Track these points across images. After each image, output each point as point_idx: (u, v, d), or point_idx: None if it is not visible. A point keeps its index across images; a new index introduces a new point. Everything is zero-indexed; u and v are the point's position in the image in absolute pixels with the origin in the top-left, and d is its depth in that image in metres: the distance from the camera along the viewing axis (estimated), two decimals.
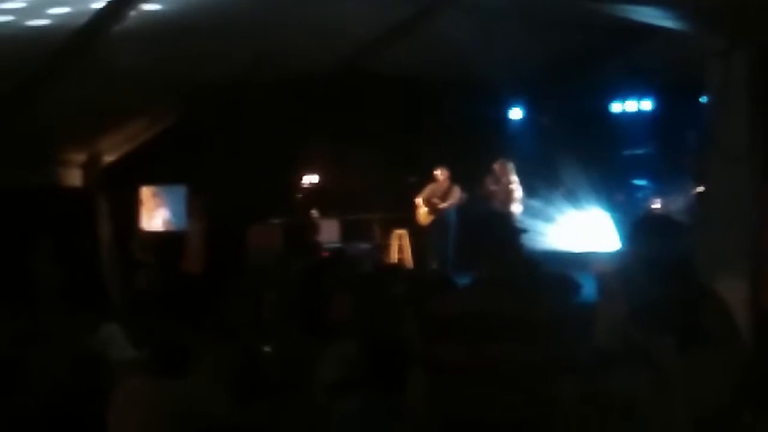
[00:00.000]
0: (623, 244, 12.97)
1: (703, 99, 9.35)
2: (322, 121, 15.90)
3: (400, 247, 16.53)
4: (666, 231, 4.81)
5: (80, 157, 16.24)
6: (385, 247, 16.64)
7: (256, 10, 11.63)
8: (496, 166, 15.40)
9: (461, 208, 15.42)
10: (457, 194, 15.51)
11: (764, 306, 8.09)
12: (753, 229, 8.29)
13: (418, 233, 16.28)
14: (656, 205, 15.07)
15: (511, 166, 15.34)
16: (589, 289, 7.24)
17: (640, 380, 4.53)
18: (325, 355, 6.58)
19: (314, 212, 16.55)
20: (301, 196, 16.94)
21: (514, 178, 15.26)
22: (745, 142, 8.24)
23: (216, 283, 12.66)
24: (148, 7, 11.17)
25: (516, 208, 15.05)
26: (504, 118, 17.54)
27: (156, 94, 14.53)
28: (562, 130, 15.89)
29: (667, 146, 15.50)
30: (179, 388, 6.21)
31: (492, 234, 4.72)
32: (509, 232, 4.79)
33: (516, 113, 17.62)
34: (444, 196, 15.59)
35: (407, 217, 16.20)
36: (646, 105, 16.47)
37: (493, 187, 15.36)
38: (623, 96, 16.56)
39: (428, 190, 15.75)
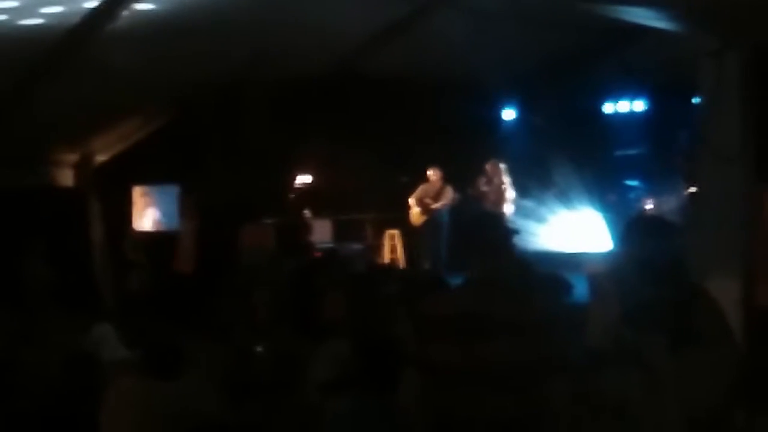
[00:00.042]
0: (615, 245, 12.97)
1: (696, 100, 9.36)
2: (315, 121, 15.89)
3: (392, 247, 16.54)
4: (658, 231, 4.81)
5: (72, 157, 16.19)
6: (377, 248, 16.65)
7: (249, 9, 11.63)
8: (488, 167, 15.43)
9: (454, 209, 15.44)
10: (449, 194, 15.52)
11: (756, 306, 8.11)
12: (745, 229, 8.30)
13: (410, 233, 16.29)
14: (649, 205, 15.11)
15: (503, 166, 15.37)
16: (581, 290, 7.24)
17: (632, 380, 4.53)
18: (318, 355, 6.58)
19: (307, 212, 16.55)
20: (293, 196, 16.92)
21: (506, 179, 15.28)
22: (737, 142, 8.25)
23: (208, 283, 12.64)
24: (141, 6, 11.16)
25: (508, 209, 15.07)
26: (496, 118, 17.57)
27: (149, 94, 14.50)
28: (554, 131, 15.90)
29: (660, 147, 15.52)
30: (171, 389, 6.21)
31: (484, 234, 4.72)
32: (502, 232, 4.80)
33: (508, 114, 17.64)
34: (436, 197, 15.61)
35: (400, 218, 16.21)
36: (639, 105, 16.50)
37: (485, 188, 15.38)
38: (616, 96, 16.60)
39: (421, 190, 15.76)
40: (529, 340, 4.37)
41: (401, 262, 16.30)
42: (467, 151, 15.96)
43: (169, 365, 6.32)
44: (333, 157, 16.54)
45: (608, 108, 16.81)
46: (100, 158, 16.58)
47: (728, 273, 7.92)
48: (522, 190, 15.62)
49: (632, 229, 5.02)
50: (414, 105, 15.44)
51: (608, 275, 5.51)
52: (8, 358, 7.63)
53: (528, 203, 15.71)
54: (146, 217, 16.81)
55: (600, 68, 15.44)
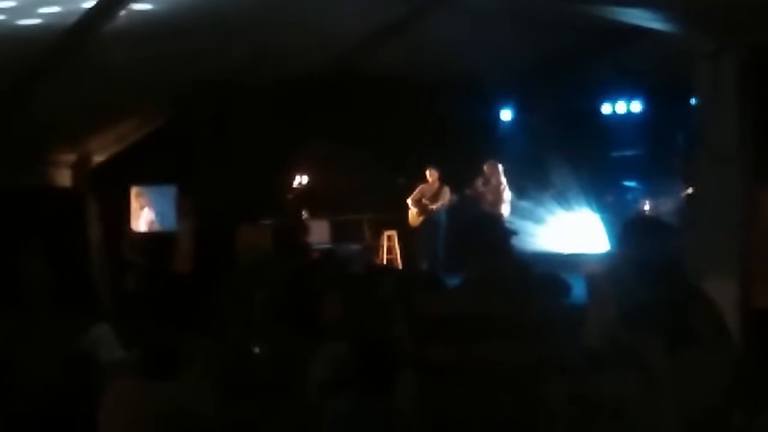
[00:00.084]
0: (613, 246, 13.00)
1: (693, 101, 9.37)
2: (312, 121, 15.89)
3: (390, 247, 16.55)
4: (656, 232, 4.82)
5: (70, 157, 16.18)
6: (375, 248, 16.65)
7: (246, 9, 11.63)
8: (486, 168, 15.44)
9: (451, 209, 15.45)
10: (447, 195, 15.53)
11: (754, 307, 8.12)
12: (742, 230, 8.31)
13: (408, 234, 16.30)
14: (646, 206, 15.12)
15: (500, 167, 15.38)
16: (578, 291, 7.26)
17: (630, 381, 4.53)
18: (316, 355, 6.59)
19: (304, 213, 16.55)
20: (291, 196, 16.92)
21: (504, 180, 15.30)
22: (734, 143, 8.26)
23: (206, 283, 12.64)
24: (138, 6, 11.15)
25: (505, 210, 15.08)
26: (494, 119, 17.57)
27: (147, 94, 14.49)
28: (552, 132, 15.90)
29: (657, 148, 15.54)
30: (169, 389, 6.21)
31: (482, 235, 4.73)
32: (499, 233, 4.80)
33: (506, 114, 17.64)
34: (434, 197, 15.61)
35: (397, 218, 16.22)
36: (636, 106, 16.52)
37: (482, 189, 15.39)
38: (613, 97, 16.61)
39: (418, 191, 15.77)
40: (526, 341, 4.37)
41: (399, 262, 16.31)
42: (465, 152, 15.97)
43: (166, 366, 6.32)
44: (330, 158, 16.54)
45: (605, 109, 16.83)
46: (98, 158, 16.58)
47: (726, 274, 7.93)
48: (519, 191, 15.64)
49: (629, 230, 5.03)
50: (411, 105, 15.45)
51: (606, 276, 5.52)
52: (5, 357, 7.62)
53: (525, 204, 15.73)
54: (143, 217, 16.79)
55: (597, 69, 15.46)
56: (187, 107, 15.51)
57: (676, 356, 4.46)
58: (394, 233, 16.54)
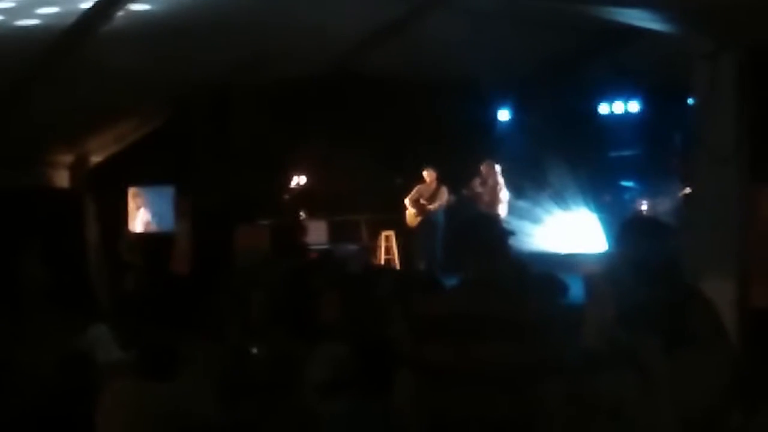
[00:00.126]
0: (610, 246, 13.00)
1: (691, 101, 9.38)
2: (310, 121, 15.89)
3: (387, 248, 16.55)
4: (653, 232, 4.82)
5: (68, 158, 16.19)
6: (372, 249, 16.66)
7: (244, 10, 11.62)
8: (483, 168, 15.44)
9: (449, 210, 15.44)
10: (444, 195, 15.53)
11: (751, 307, 8.13)
12: (740, 230, 8.32)
13: (405, 234, 16.30)
14: (643, 206, 15.13)
15: (497, 167, 15.38)
16: (576, 291, 7.26)
17: (627, 381, 4.53)
18: (314, 356, 6.58)
19: (302, 213, 16.55)
20: (289, 197, 16.93)
21: (501, 180, 15.30)
22: (731, 143, 8.27)
23: (204, 284, 12.64)
24: (137, 7, 11.15)
25: (502, 210, 15.08)
26: (492, 119, 17.57)
27: (145, 95, 14.50)
28: (549, 132, 15.91)
29: (655, 148, 15.55)
30: (166, 390, 6.21)
31: (479, 235, 4.72)
32: (497, 233, 4.80)
33: (503, 114, 17.64)
34: (432, 198, 15.61)
35: (395, 219, 16.22)
36: (634, 107, 16.52)
37: (479, 189, 15.38)
38: (610, 97, 16.61)
39: (416, 191, 15.77)
40: (524, 341, 4.37)
41: (396, 263, 16.31)
42: (462, 152, 15.97)
43: (164, 366, 6.33)
44: (328, 158, 16.54)
45: (603, 109, 16.83)
46: (96, 159, 16.58)
47: (723, 274, 7.95)
48: (517, 191, 15.64)
49: (627, 230, 5.03)
50: (409, 105, 15.45)
51: (603, 276, 5.53)
52: (3, 358, 7.61)
53: (523, 204, 15.73)
54: (139, 218, 16.79)
55: (595, 69, 15.45)
56: (185, 108, 15.52)
57: (673, 356, 4.46)
58: (391, 233, 16.54)
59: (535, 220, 15.74)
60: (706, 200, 8.56)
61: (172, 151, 15.59)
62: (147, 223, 16.69)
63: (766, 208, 8.44)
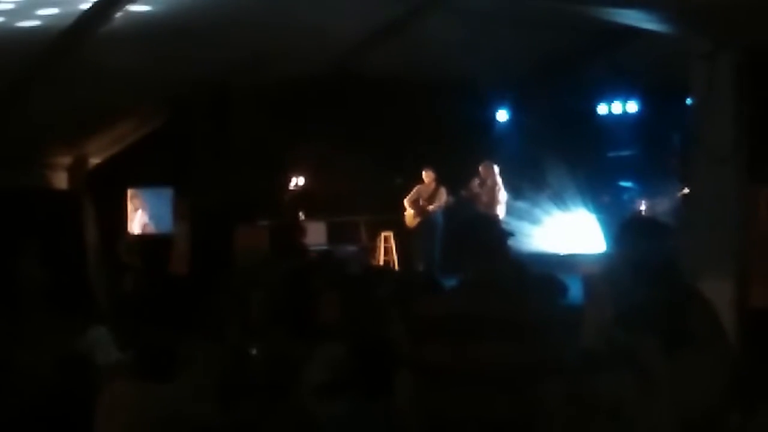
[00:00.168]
0: (609, 246, 13.00)
1: (689, 101, 9.38)
2: (309, 122, 15.89)
3: (387, 249, 16.56)
4: (652, 233, 4.82)
5: (66, 159, 16.19)
6: (371, 249, 16.65)
7: (244, 10, 11.63)
8: (481, 168, 15.43)
9: (447, 211, 15.44)
10: (443, 196, 15.52)
11: (750, 307, 8.13)
12: (738, 230, 8.33)
13: (405, 235, 16.29)
14: (642, 206, 15.13)
15: (496, 167, 15.38)
16: (575, 291, 7.27)
17: (626, 382, 4.53)
18: (313, 357, 6.58)
19: (301, 214, 16.55)
20: (288, 198, 16.93)
21: (499, 180, 15.30)
22: (730, 143, 8.28)
23: (203, 285, 12.63)
24: (136, 8, 11.16)
25: (501, 210, 15.08)
26: (490, 119, 17.57)
27: (144, 96, 14.50)
28: (547, 132, 15.91)
29: (653, 148, 15.56)
30: (165, 391, 6.21)
31: (478, 236, 4.73)
32: (495, 234, 4.80)
33: (502, 115, 17.65)
34: (431, 198, 15.60)
35: (394, 219, 16.21)
36: (632, 107, 16.53)
37: (478, 190, 15.38)
38: (609, 98, 16.62)
39: (415, 191, 15.76)
40: (523, 342, 4.37)
41: (395, 263, 16.31)
42: (461, 153, 15.97)
43: (162, 368, 6.33)
44: (327, 159, 16.54)
45: (601, 109, 16.84)
46: (95, 160, 16.58)
47: (722, 274, 7.95)
48: (516, 192, 15.63)
49: (626, 230, 5.03)
50: (408, 106, 15.44)
51: (602, 276, 5.54)
52: (2, 358, 7.61)
53: (522, 204, 15.73)
54: (137, 219, 16.79)
55: (593, 69, 15.46)
56: (184, 109, 15.51)
57: (672, 356, 4.46)
58: (390, 234, 16.54)
59: (534, 221, 15.75)
60: (705, 200, 8.56)
61: (170, 153, 15.59)
62: (144, 225, 16.69)
63: (764, 208, 8.44)
